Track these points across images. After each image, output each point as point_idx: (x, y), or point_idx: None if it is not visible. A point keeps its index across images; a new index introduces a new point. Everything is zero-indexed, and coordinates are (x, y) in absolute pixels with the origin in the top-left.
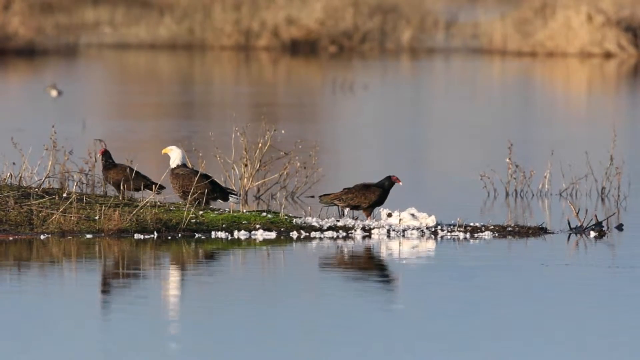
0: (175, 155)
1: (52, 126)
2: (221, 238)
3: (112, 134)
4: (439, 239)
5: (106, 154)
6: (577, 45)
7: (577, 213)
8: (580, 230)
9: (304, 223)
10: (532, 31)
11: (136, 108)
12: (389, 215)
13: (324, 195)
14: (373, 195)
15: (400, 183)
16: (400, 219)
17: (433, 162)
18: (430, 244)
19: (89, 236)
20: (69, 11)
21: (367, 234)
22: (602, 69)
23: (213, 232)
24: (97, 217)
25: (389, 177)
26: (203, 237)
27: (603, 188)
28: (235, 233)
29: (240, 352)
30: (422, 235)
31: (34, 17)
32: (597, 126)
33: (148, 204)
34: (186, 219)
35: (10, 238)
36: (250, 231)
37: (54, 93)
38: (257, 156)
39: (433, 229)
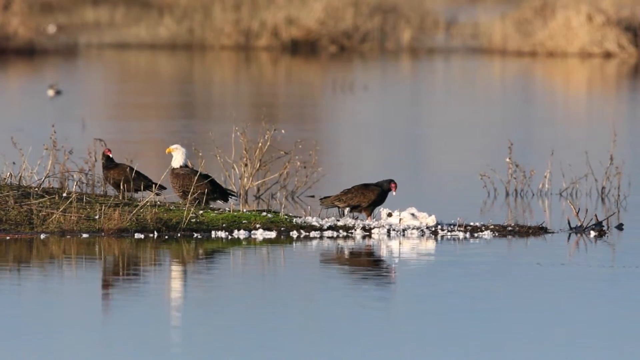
0: (178, 155)
1: (52, 126)
2: (221, 238)
3: (112, 134)
4: (439, 238)
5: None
6: (577, 45)
7: (577, 213)
8: (580, 230)
9: (304, 222)
10: (532, 31)
11: (136, 108)
12: (389, 214)
13: (325, 198)
14: (372, 194)
15: (394, 193)
16: (400, 219)
17: (433, 162)
18: (430, 244)
19: (86, 235)
20: (69, 11)
21: (367, 233)
22: (602, 69)
23: (213, 232)
24: (97, 217)
25: (389, 181)
26: (203, 237)
27: (603, 188)
28: (235, 233)
29: (240, 351)
30: (422, 235)
31: (34, 17)
32: (597, 126)
33: (148, 204)
34: (186, 219)
35: (8, 237)
36: (250, 231)
37: (51, 93)
38: (257, 156)
39: (433, 229)
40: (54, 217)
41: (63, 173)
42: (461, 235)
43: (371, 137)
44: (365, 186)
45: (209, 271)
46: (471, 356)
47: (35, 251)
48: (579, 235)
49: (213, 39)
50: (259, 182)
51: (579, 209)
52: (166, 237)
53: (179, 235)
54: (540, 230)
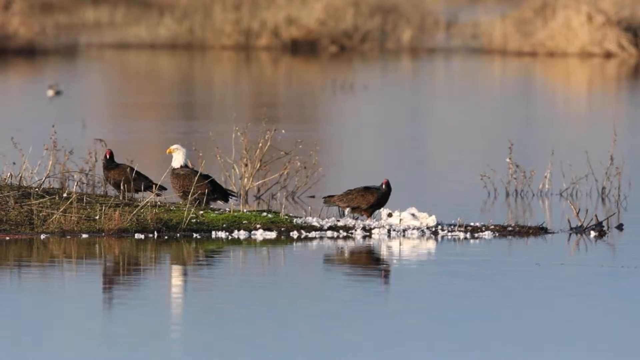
0: (179, 155)
1: (52, 126)
2: (221, 238)
3: (112, 134)
4: (439, 238)
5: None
6: (577, 45)
7: (578, 213)
8: (580, 230)
9: (304, 223)
10: (532, 31)
11: (136, 108)
12: (390, 215)
13: (328, 197)
14: (372, 197)
15: (383, 185)
16: (400, 219)
17: (433, 162)
18: (430, 244)
19: (86, 236)
20: (69, 11)
21: (368, 233)
22: (602, 69)
23: (213, 232)
24: (97, 217)
25: (386, 184)
26: (203, 237)
27: (603, 188)
28: (235, 233)
29: (240, 351)
30: (423, 235)
31: (34, 17)
32: (597, 126)
33: (148, 204)
34: (186, 219)
35: (8, 238)
36: (250, 231)
37: (50, 93)
38: (257, 156)
39: (433, 229)
40: (54, 217)
41: (63, 173)
42: (461, 235)
43: (371, 137)
44: (366, 189)
45: (209, 271)
46: (471, 355)
47: (35, 251)
48: (579, 235)
49: (213, 39)
50: (259, 182)
51: (579, 209)
52: (166, 237)
53: (179, 235)
54: (541, 231)
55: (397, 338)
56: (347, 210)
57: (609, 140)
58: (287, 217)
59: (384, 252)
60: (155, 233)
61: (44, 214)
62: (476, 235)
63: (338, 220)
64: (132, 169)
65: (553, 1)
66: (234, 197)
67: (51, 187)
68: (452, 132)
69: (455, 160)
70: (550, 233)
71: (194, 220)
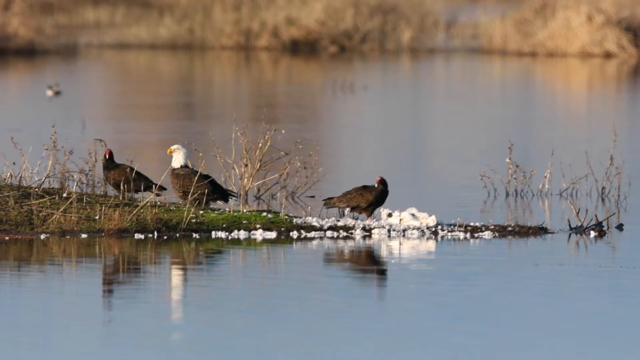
0: (179, 155)
1: (52, 126)
2: (221, 238)
3: (112, 134)
4: (439, 238)
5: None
6: (577, 45)
7: (578, 213)
8: (580, 230)
9: (304, 223)
10: (532, 31)
11: (136, 108)
12: (390, 215)
13: (327, 199)
14: (370, 195)
15: (376, 184)
16: (400, 219)
17: (433, 162)
18: (430, 244)
19: (86, 236)
20: (69, 11)
21: (368, 233)
22: (602, 69)
23: (213, 232)
24: (97, 217)
25: (380, 181)
26: (203, 237)
27: (603, 188)
28: (235, 233)
29: (240, 351)
30: (423, 235)
31: (34, 17)
32: (597, 126)
33: (148, 204)
34: (186, 219)
35: (7, 238)
36: (250, 231)
37: (50, 93)
38: (257, 156)
39: (433, 229)
40: (54, 217)
41: (63, 173)
42: (461, 235)
43: (371, 137)
44: (365, 188)
45: (209, 271)
46: (470, 355)
47: (35, 251)
48: (579, 235)
49: (213, 39)
50: (259, 182)
51: (579, 209)
52: (166, 237)
53: (178, 235)
54: (541, 231)
55: (397, 338)
56: (347, 210)
57: (609, 140)
58: (287, 217)
59: (383, 252)
60: (155, 233)
61: (43, 214)
62: (476, 235)
63: (338, 220)
64: (132, 169)
65: (553, 1)
66: (233, 197)
67: (51, 187)
68: (452, 132)
69: (455, 160)
70: (550, 233)
71: (194, 220)
